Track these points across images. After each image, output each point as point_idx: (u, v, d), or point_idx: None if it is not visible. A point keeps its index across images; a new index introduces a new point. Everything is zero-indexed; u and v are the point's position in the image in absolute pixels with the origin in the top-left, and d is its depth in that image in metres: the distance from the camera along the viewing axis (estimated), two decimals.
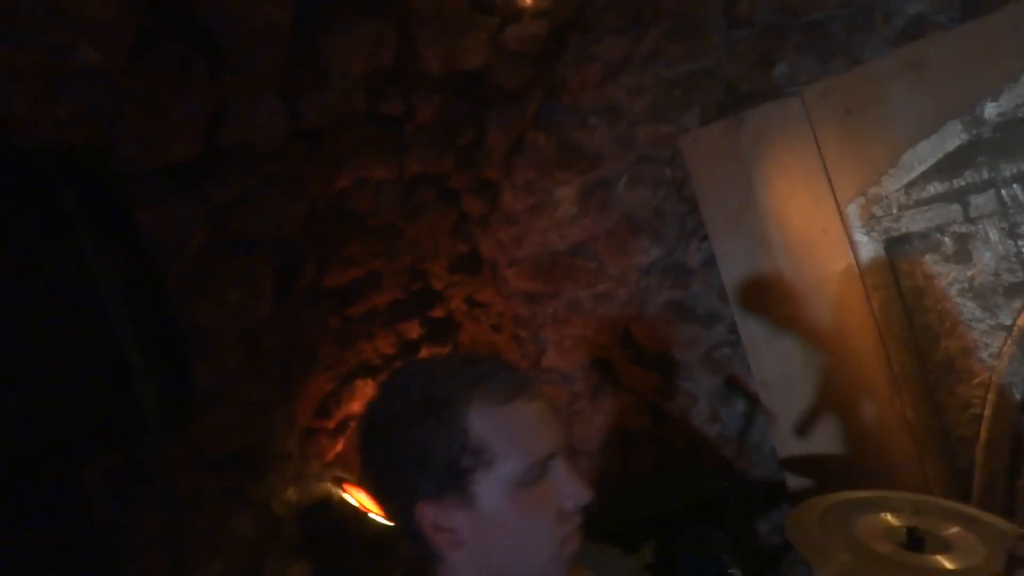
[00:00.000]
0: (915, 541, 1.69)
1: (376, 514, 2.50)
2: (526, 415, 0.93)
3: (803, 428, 2.58)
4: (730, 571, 0.95)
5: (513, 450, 0.91)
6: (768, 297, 2.58)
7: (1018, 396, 2.23)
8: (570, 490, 0.93)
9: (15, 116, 1.22)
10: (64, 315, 1.09)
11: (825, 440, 2.54)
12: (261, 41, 1.75)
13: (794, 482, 2.62)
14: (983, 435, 2.28)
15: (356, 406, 2.62)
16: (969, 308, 2.31)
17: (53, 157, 1.21)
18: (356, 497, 2.49)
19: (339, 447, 2.56)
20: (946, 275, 2.34)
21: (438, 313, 2.94)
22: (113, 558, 1.47)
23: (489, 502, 0.91)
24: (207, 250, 1.86)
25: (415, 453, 0.91)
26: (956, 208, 2.27)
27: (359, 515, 2.51)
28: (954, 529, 1.73)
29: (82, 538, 1.25)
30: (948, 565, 1.61)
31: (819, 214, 2.46)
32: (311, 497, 2.41)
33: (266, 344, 2.14)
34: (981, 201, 2.24)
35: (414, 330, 2.81)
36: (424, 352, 2.91)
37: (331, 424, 2.50)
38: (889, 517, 1.83)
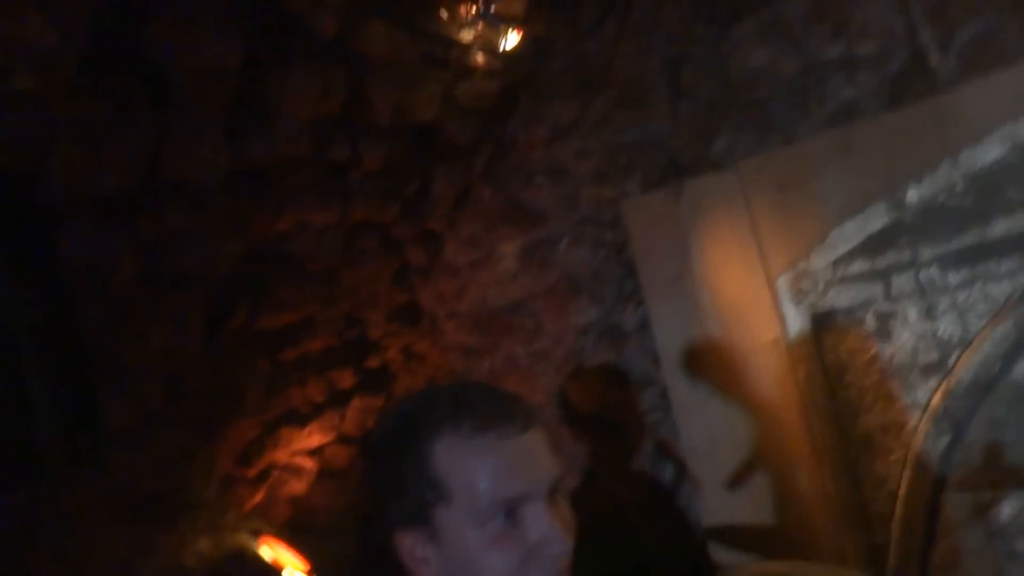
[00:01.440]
0: None
1: (293, 569, 2.41)
2: (496, 452, 0.89)
3: (733, 482, 2.58)
4: None
5: (470, 488, 0.88)
6: (699, 364, 2.62)
7: (933, 473, 2.29)
8: (543, 536, 0.88)
9: None
10: None
11: (749, 509, 2.56)
12: (208, 78, 1.75)
13: (718, 551, 2.63)
14: (898, 511, 2.34)
15: (280, 455, 2.55)
16: (888, 385, 2.39)
17: None
18: (274, 551, 2.41)
19: (259, 497, 2.48)
20: (867, 351, 2.42)
21: (373, 363, 2.90)
22: None
23: (451, 536, 0.89)
24: (135, 286, 1.81)
25: (390, 483, 0.92)
26: (878, 287, 2.37)
27: (273, 571, 2.42)
28: None
29: None
30: None
31: (751, 285, 2.53)
32: (225, 549, 2.32)
33: (190, 385, 2.08)
34: (901, 281, 2.34)
35: (347, 379, 2.76)
36: (356, 402, 2.86)
37: (252, 472, 2.42)
38: None
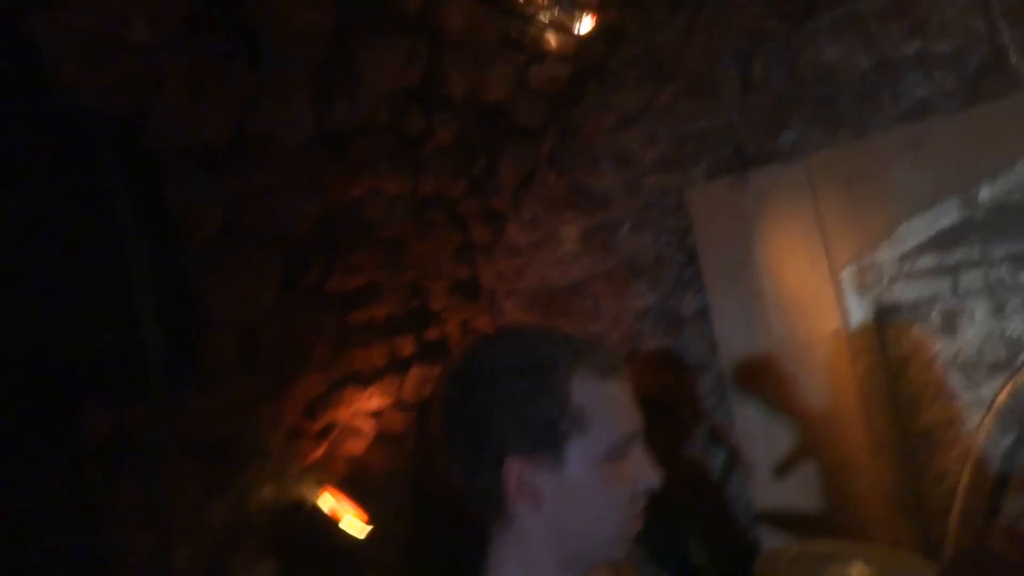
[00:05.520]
0: None
1: (349, 522, 2.51)
2: (619, 392, 0.98)
3: (782, 469, 2.59)
4: (693, 563, 1.00)
5: (607, 422, 0.95)
6: (758, 352, 2.63)
7: (994, 470, 2.27)
8: (645, 472, 0.97)
9: (66, 76, 1.29)
10: (90, 265, 1.14)
11: (802, 497, 2.56)
12: (299, 43, 1.84)
13: (768, 538, 2.64)
14: (957, 506, 2.31)
15: (342, 414, 2.64)
16: (952, 380, 2.37)
17: (97, 122, 1.27)
18: (334, 502, 2.50)
19: (320, 452, 2.58)
20: (931, 347, 2.40)
21: (433, 334, 2.98)
22: (97, 518, 1.48)
23: (576, 468, 0.95)
24: (220, 237, 1.92)
25: (514, 409, 0.95)
26: (946, 283, 2.34)
27: (331, 523, 2.52)
28: None
29: (73, 486, 1.27)
30: None
31: (813, 276, 2.53)
32: (287, 497, 2.42)
33: (263, 338, 2.18)
34: (970, 279, 2.32)
35: (408, 347, 2.84)
36: (415, 371, 2.95)
37: (316, 427, 2.52)
38: (855, 572, 1.85)
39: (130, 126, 1.44)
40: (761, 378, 2.60)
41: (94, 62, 1.35)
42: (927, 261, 2.39)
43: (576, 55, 2.87)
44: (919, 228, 2.39)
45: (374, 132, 2.26)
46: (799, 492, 2.53)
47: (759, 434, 2.61)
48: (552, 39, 2.72)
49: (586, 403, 0.94)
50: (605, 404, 0.95)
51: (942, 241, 2.35)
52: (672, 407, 2.94)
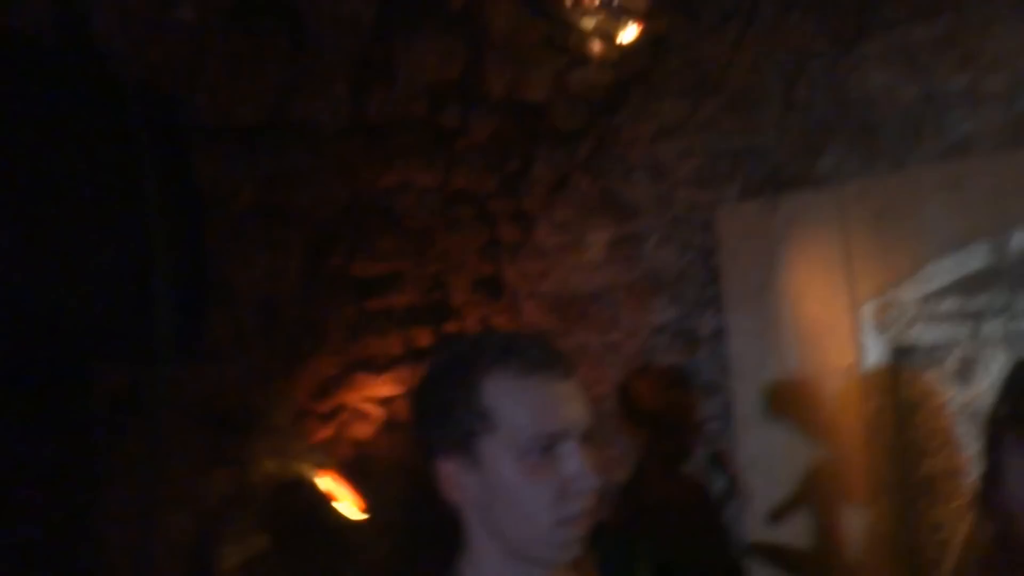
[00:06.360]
0: None
1: (349, 504, 2.55)
2: (542, 390, 0.98)
3: (778, 515, 2.59)
4: None
5: (518, 420, 0.96)
6: (769, 378, 2.61)
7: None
8: (575, 472, 0.96)
9: (116, 51, 1.33)
10: (111, 230, 1.18)
11: (796, 532, 2.55)
12: (342, 31, 1.87)
13: (759, 567, 2.63)
14: (952, 560, 2.28)
15: (352, 398, 2.68)
16: (962, 430, 2.34)
17: (137, 94, 1.31)
18: (333, 484, 2.54)
19: (327, 433, 2.62)
20: (943, 393, 2.37)
21: (451, 327, 3.00)
22: (96, 481, 1.53)
23: (492, 465, 0.97)
24: (249, 213, 1.96)
25: (436, 411, 1.00)
26: (966, 329, 2.31)
27: (329, 504, 2.56)
28: None
29: (80, 449, 1.32)
30: None
31: (834, 308, 2.51)
32: (288, 474, 2.46)
33: (282, 315, 2.22)
34: (992, 327, 2.28)
35: (425, 338, 2.87)
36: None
37: (324, 408, 2.56)
38: None
39: (170, 100, 1.48)
40: (769, 406, 2.59)
41: (143, 39, 1.40)
42: (950, 304, 2.36)
43: (619, 62, 2.86)
44: (946, 269, 2.36)
45: (410, 124, 2.28)
46: (794, 528, 2.52)
47: (760, 463, 2.60)
48: (596, 45, 2.72)
49: (496, 402, 0.96)
50: (519, 402, 0.97)
51: (968, 285, 2.32)
52: (677, 426, 2.93)
